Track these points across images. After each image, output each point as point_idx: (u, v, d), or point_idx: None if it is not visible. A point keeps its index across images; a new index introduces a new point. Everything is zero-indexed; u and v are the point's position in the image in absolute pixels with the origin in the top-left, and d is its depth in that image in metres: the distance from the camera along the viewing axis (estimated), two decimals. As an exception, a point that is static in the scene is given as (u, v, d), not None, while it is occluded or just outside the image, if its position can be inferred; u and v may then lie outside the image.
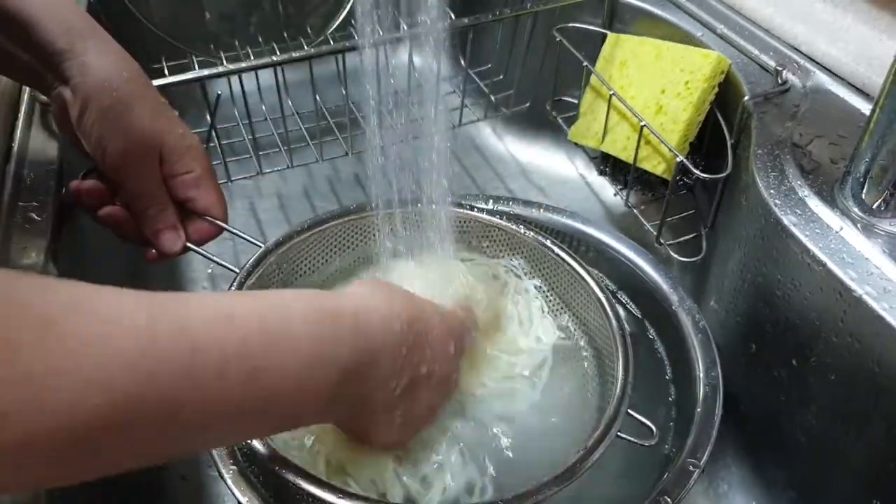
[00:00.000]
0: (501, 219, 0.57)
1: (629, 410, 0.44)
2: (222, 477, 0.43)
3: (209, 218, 0.50)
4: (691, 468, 0.45)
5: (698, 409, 0.49)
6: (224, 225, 0.50)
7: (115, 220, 0.49)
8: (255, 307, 0.32)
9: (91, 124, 0.45)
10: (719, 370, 0.52)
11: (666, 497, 0.43)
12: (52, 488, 0.37)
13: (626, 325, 0.49)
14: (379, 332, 0.36)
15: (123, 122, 0.45)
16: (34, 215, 0.49)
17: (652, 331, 0.59)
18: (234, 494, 0.42)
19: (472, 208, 0.57)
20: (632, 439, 0.44)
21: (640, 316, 0.60)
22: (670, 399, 0.55)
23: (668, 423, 0.53)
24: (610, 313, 0.50)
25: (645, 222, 0.68)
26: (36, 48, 0.44)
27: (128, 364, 0.25)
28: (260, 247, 0.52)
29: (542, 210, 0.64)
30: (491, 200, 0.64)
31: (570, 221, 0.63)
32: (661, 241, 0.65)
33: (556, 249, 0.54)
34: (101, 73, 0.45)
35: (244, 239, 0.52)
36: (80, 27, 0.45)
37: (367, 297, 0.38)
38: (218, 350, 0.28)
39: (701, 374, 0.51)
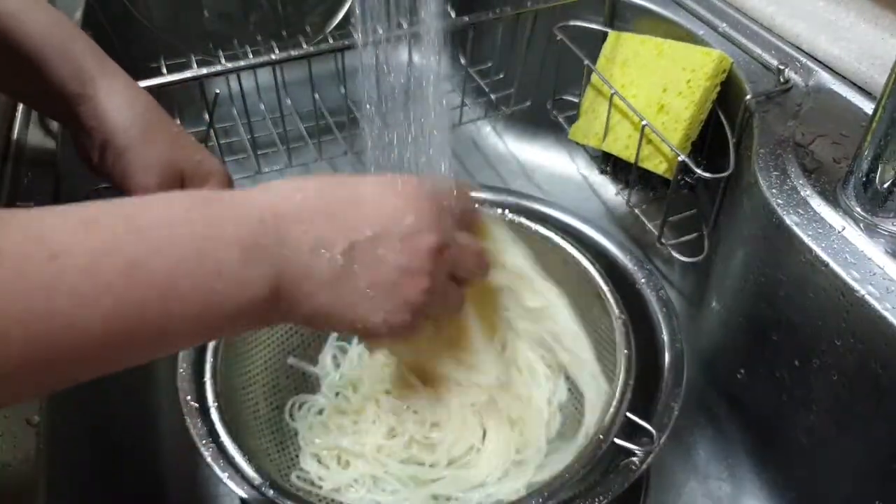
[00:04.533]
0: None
1: (628, 413, 0.44)
2: (202, 454, 0.43)
3: None
4: (657, 434, 0.45)
5: (665, 378, 0.49)
6: None
7: None
8: (120, 210, 0.30)
9: (112, 165, 0.46)
10: (681, 337, 0.51)
11: (633, 460, 0.43)
12: (49, 483, 0.37)
13: (630, 329, 0.49)
14: (275, 203, 0.33)
15: (142, 159, 0.46)
16: (32, 215, 0.49)
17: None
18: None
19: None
20: (630, 446, 0.43)
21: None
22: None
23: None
24: (615, 312, 0.50)
25: (646, 222, 0.68)
26: (51, 90, 0.45)
27: None
28: None
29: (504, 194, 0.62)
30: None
31: (532, 204, 0.61)
32: (663, 240, 0.64)
33: (560, 241, 0.55)
34: (113, 115, 0.46)
35: None
36: (89, 69, 0.46)
37: (263, 185, 0.35)
38: (82, 252, 0.27)
39: (666, 342, 0.51)
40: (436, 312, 0.40)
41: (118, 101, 0.46)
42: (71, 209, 0.28)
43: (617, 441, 0.43)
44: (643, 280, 0.55)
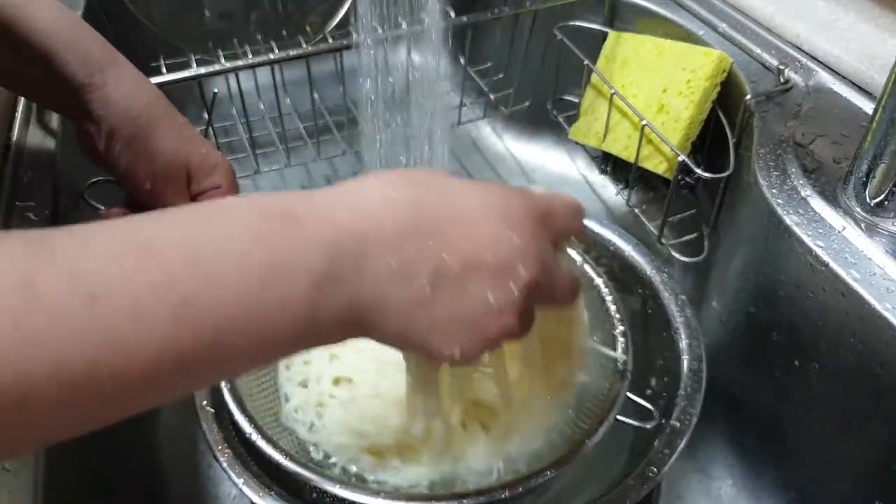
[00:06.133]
0: None
1: (629, 394, 0.45)
2: (217, 460, 0.43)
3: None
4: (677, 440, 0.45)
5: (684, 381, 0.49)
6: None
7: None
8: (177, 233, 0.26)
9: (118, 154, 0.46)
10: (702, 342, 0.51)
11: (652, 468, 0.43)
12: (48, 484, 0.36)
13: (623, 310, 0.49)
14: (359, 223, 0.30)
15: (148, 149, 0.46)
16: (31, 215, 0.49)
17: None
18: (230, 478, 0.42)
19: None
20: (632, 422, 0.44)
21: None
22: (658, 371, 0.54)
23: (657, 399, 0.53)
24: (608, 298, 0.50)
25: (646, 222, 0.68)
26: (57, 81, 0.45)
27: (5, 333, 0.21)
28: None
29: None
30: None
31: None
32: (663, 240, 0.64)
33: None
34: (122, 104, 0.45)
35: None
36: (98, 58, 0.46)
37: (351, 189, 0.31)
38: (126, 293, 0.24)
39: (684, 347, 0.51)
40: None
41: (127, 89, 0.46)
42: (121, 232, 0.26)
43: (620, 418, 0.43)
44: (660, 284, 0.55)
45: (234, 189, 0.50)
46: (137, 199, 0.49)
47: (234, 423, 0.43)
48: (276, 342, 0.28)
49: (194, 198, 0.49)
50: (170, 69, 0.64)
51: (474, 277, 0.31)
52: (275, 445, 0.42)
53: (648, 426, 0.44)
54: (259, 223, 0.28)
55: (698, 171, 0.58)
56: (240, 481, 0.42)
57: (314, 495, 0.42)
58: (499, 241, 0.32)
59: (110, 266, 0.24)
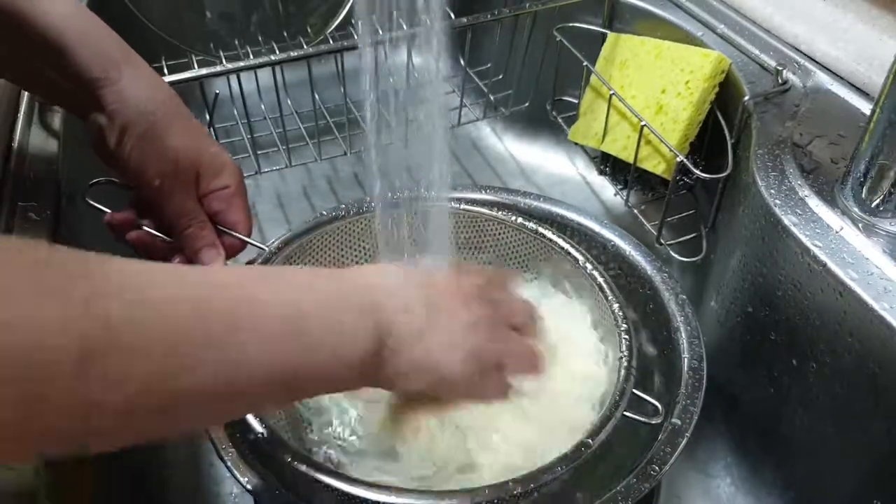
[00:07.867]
0: (491, 209, 0.56)
1: (634, 390, 0.45)
2: (223, 460, 0.43)
3: (234, 233, 0.50)
4: (678, 438, 0.45)
5: (684, 379, 0.49)
6: (248, 240, 0.51)
7: (143, 244, 0.50)
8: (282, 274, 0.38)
9: (129, 150, 0.46)
10: (702, 341, 0.51)
11: (654, 466, 0.44)
12: (50, 483, 0.37)
13: (626, 308, 0.49)
14: (371, 281, 0.41)
15: (160, 146, 0.46)
16: (33, 215, 0.49)
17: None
18: (235, 476, 0.43)
19: (458, 201, 0.57)
20: (639, 417, 0.44)
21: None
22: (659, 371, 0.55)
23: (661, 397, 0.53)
24: (611, 297, 0.50)
25: (645, 222, 0.68)
26: (71, 75, 0.45)
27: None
28: (264, 250, 0.52)
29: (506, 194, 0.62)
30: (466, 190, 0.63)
31: (539, 204, 0.62)
32: (662, 241, 0.65)
33: (552, 236, 0.54)
34: (137, 100, 0.46)
35: (259, 248, 0.52)
36: (113, 54, 0.46)
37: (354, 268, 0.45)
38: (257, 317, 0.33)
39: (685, 346, 0.51)
40: (513, 367, 0.45)
41: (142, 85, 0.46)
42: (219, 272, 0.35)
43: (627, 414, 0.44)
44: (660, 284, 0.55)
45: (240, 191, 0.50)
46: (144, 199, 0.49)
47: (239, 422, 0.43)
48: (338, 361, 0.36)
49: (202, 198, 0.49)
50: (171, 70, 0.64)
51: (451, 308, 0.42)
52: (281, 444, 0.42)
53: (654, 422, 0.44)
54: (321, 274, 0.42)
55: (697, 171, 0.58)
56: (244, 480, 0.42)
57: (319, 492, 0.42)
58: (460, 286, 0.44)
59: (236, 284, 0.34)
